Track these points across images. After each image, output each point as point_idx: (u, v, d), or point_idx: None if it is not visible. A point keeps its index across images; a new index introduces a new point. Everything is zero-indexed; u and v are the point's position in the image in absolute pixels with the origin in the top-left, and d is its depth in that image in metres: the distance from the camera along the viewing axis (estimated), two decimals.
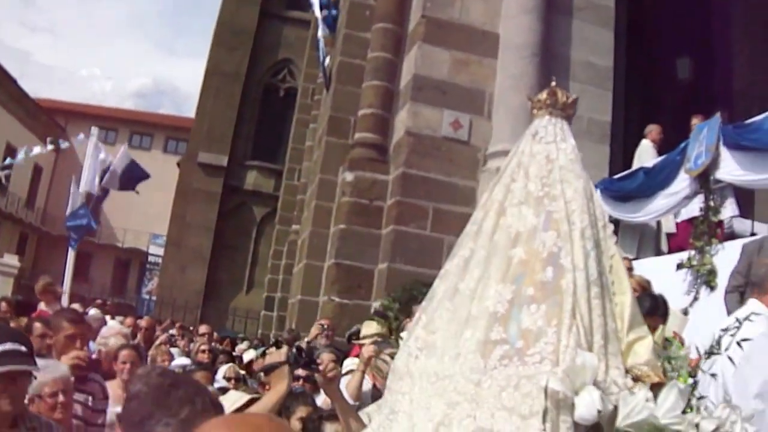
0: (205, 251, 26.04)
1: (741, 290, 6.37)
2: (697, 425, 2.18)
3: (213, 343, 11.24)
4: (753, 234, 8.65)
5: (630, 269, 8.54)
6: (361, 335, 6.61)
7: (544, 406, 2.08)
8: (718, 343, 2.67)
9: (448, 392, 2.42)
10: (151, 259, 38.01)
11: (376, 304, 10.76)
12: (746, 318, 3.59)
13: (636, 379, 2.31)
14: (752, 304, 4.20)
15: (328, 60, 13.87)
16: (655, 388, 2.27)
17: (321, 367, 3.58)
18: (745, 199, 10.60)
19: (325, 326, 9.15)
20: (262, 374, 4.40)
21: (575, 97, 2.99)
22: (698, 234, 8.17)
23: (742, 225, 9.61)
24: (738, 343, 2.64)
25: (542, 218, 2.61)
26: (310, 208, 14.61)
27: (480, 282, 2.59)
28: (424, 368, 2.59)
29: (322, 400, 5.95)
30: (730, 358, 2.85)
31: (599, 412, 1.99)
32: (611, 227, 2.80)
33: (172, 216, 27.28)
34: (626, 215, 10.64)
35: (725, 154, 8.75)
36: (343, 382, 5.60)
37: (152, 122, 45.56)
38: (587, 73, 11.93)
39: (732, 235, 8.86)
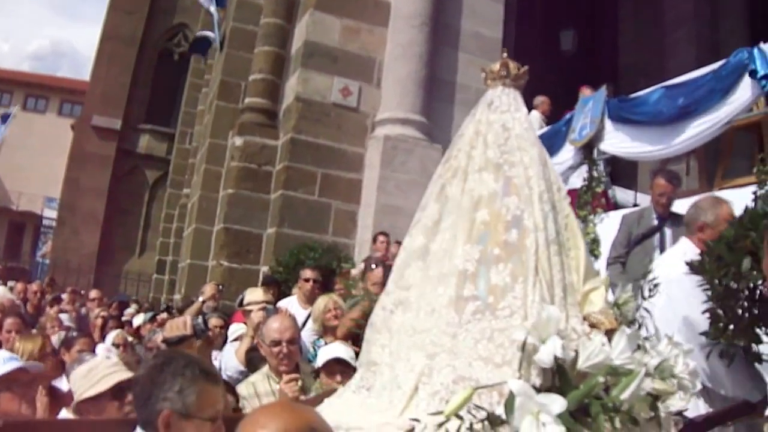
0: (99, 214, 25.50)
1: (621, 261, 6.59)
2: (645, 363, 2.42)
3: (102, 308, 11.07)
4: (636, 205, 8.98)
5: None
6: (245, 302, 6.63)
7: (517, 356, 2.28)
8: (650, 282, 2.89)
9: (426, 345, 2.63)
10: (45, 222, 36.87)
11: (264, 269, 10.82)
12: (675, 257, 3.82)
13: (592, 326, 2.56)
14: (683, 243, 4.29)
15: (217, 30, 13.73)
16: (609, 333, 2.49)
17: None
18: (629, 170, 11.07)
19: (221, 288, 9.15)
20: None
21: (526, 68, 3.13)
22: (582, 203, 8.41)
23: (626, 195, 9.97)
24: (656, 285, 2.84)
25: (501, 183, 2.82)
26: (199, 172, 14.48)
27: (449, 243, 2.80)
28: (401, 323, 2.80)
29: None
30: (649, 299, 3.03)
31: (556, 358, 2.18)
32: (564, 190, 3.03)
33: (66, 179, 26.56)
34: None
35: (609, 126, 9.05)
36: (233, 348, 5.68)
37: (48, 85, 43.89)
38: (476, 44, 12.13)
39: (615, 206, 9.17)
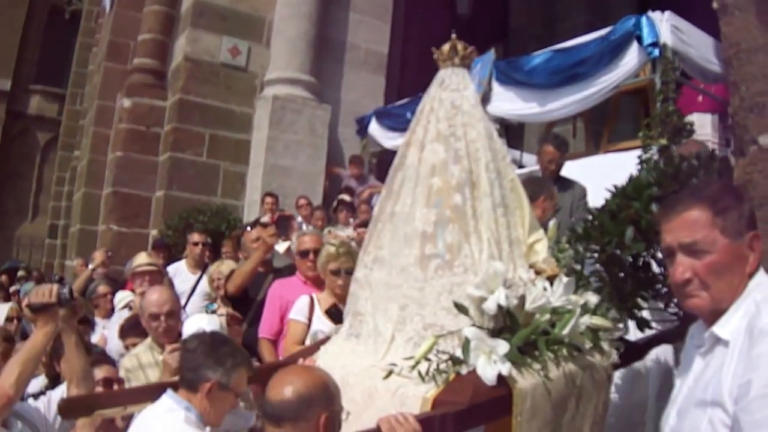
0: None
1: None
2: (584, 303, 2.84)
3: None
4: (521, 166, 9.16)
5: None
6: (133, 266, 6.56)
7: (472, 306, 2.66)
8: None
9: (399, 298, 3.06)
10: None
11: (154, 233, 10.69)
12: None
13: (537, 273, 2.93)
14: None
15: None
16: (552, 279, 2.90)
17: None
18: (515, 130, 11.27)
19: (110, 254, 9.01)
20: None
21: (472, 48, 3.45)
22: None
23: (512, 155, 10.16)
24: None
25: (451, 153, 3.18)
26: (88, 134, 14.07)
27: (410, 207, 3.19)
28: (378, 279, 3.23)
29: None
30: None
31: (499, 306, 2.54)
32: (509, 157, 3.53)
33: None
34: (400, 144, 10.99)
35: (498, 88, 9.21)
36: (118, 321, 5.65)
37: None
38: (367, 5, 12.15)
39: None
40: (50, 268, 17.12)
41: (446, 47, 3.42)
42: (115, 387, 3.85)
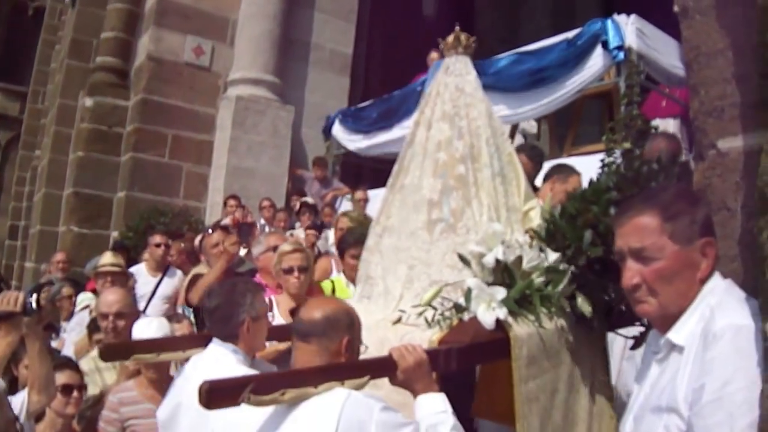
0: None
1: None
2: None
3: None
4: None
5: (366, 200, 8.91)
6: (98, 265, 6.50)
7: (473, 262, 2.88)
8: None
9: (407, 259, 3.45)
10: None
11: (115, 234, 10.57)
12: None
13: (532, 237, 3.06)
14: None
15: None
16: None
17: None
18: None
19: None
20: None
21: (474, 38, 3.92)
22: None
23: None
24: None
25: (455, 131, 3.62)
26: (50, 134, 13.90)
27: (418, 178, 3.62)
28: (388, 244, 3.62)
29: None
30: None
31: (497, 260, 2.75)
32: (507, 133, 4.21)
33: None
34: (364, 147, 10.97)
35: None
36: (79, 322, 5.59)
37: None
38: (332, 5, 12.10)
39: None
40: (10, 270, 16.87)
41: (450, 38, 3.89)
42: (75, 394, 3.82)
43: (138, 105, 10.87)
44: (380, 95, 10.94)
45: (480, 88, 3.84)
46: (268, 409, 2.40)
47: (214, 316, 3.26)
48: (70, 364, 4.12)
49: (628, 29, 7.50)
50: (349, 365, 2.48)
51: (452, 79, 3.80)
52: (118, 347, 3.71)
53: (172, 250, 7.46)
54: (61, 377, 3.78)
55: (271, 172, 10.76)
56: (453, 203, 3.46)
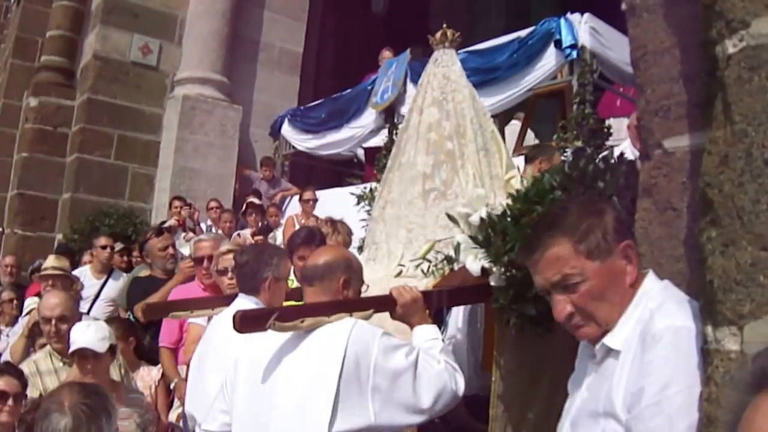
0: None
1: None
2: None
3: None
4: None
5: (315, 200, 8.81)
6: (42, 268, 6.42)
7: (461, 221, 3.21)
8: None
9: (406, 224, 4.18)
10: None
11: (59, 236, 10.39)
12: None
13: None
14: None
15: None
16: None
17: None
18: None
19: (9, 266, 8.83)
20: None
21: (458, 34, 4.69)
22: (381, 167, 8.46)
23: None
24: None
25: (444, 113, 4.36)
26: None
27: (413, 156, 4.33)
28: (390, 214, 4.36)
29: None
30: None
31: (482, 219, 3.01)
32: (489, 113, 4.78)
33: None
34: (314, 147, 10.90)
35: (412, 90, 9.05)
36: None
37: None
38: (282, 3, 12.00)
39: None
40: None
41: (439, 34, 4.66)
42: (10, 402, 3.62)
43: (84, 105, 10.71)
44: (331, 94, 10.88)
45: (464, 75, 4.55)
46: (286, 336, 2.69)
47: (242, 271, 3.57)
48: (10, 370, 4.00)
49: (582, 28, 7.51)
50: (356, 300, 2.82)
51: (440, 69, 4.53)
52: (158, 305, 4.49)
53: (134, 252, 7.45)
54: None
55: (218, 172, 10.67)
56: (443, 174, 4.17)
